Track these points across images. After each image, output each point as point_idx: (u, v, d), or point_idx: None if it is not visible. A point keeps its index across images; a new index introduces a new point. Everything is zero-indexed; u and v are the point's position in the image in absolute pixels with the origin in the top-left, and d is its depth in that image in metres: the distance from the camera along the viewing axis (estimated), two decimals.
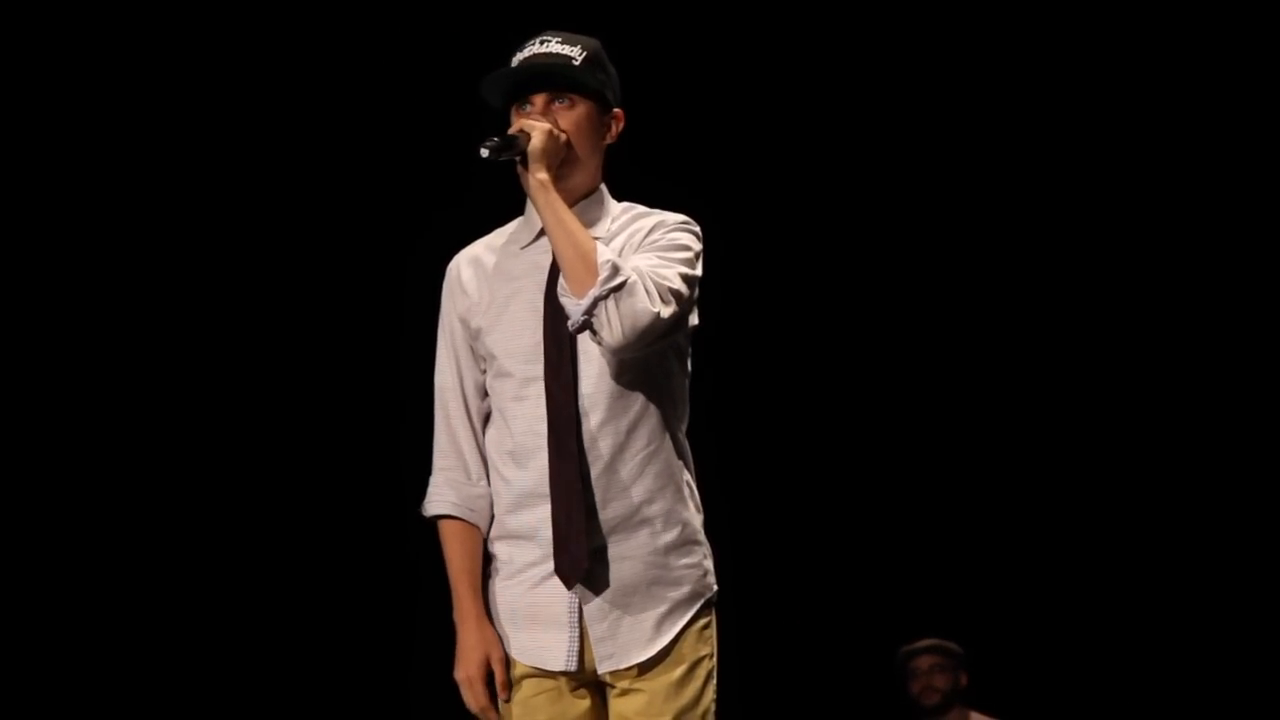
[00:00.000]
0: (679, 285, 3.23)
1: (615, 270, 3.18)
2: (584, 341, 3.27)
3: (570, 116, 3.31)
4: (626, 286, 3.17)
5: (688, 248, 3.30)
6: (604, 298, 3.17)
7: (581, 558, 3.25)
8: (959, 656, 6.75)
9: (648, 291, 3.18)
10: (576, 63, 3.32)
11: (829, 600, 7.37)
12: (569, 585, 3.27)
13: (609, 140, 3.39)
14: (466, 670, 3.33)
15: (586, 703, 3.34)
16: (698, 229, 3.36)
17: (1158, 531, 7.35)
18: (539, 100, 3.31)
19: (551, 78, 3.31)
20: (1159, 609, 7.34)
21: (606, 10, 4.15)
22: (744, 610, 6.28)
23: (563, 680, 3.32)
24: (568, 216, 3.22)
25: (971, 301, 7.43)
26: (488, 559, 3.40)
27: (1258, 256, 7.29)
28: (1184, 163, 7.22)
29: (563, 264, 3.22)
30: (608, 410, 3.28)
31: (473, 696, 3.33)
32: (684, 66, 6.78)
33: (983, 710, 6.83)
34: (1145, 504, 7.36)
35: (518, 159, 3.25)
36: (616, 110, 3.39)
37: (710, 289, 3.41)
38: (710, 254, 3.36)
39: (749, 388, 7.19)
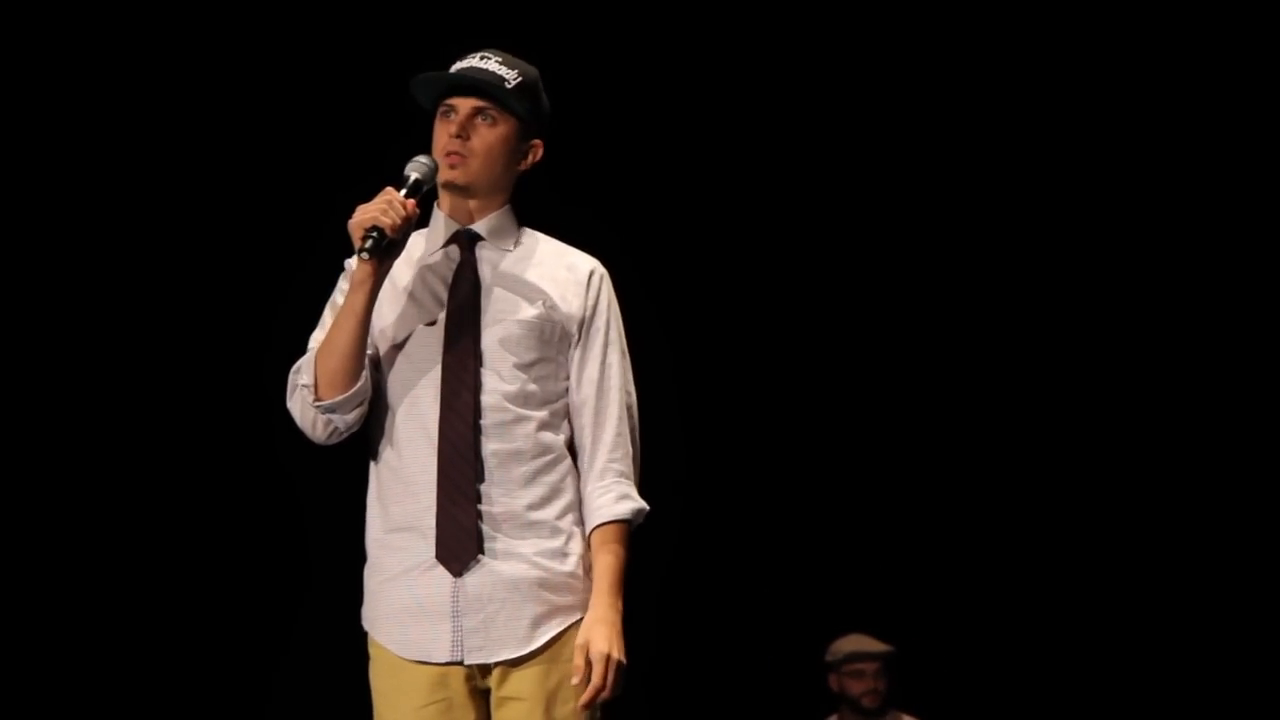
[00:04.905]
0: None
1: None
2: (489, 350, 3.37)
3: (489, 134, 3.38)
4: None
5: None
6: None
7: (466, 546, 3.30)
8: (896, 659, 6.82)
9: None
10: (509, 85, 3.38)
11: (746, 598, 7.41)
12: (453, 572, 3.30)
13: (523, 168, 3.45)
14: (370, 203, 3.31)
15: (473, 716, 3.35)
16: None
17: (1080, 532, 7.41)
18: (463, 110, 3.38)
19: (480, 91, 3.38)
20: (1080, 607, 7.40)
21: (531, 32, 4.16)
22: (664, 607, 6.36)
23: (454, 688, 3.33)
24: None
25: (907, 300, 7.46)
26: (370, 567, 3.42)
27: (1253, 257, 7.32)
28: (1183, 163, 7.23)
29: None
30: (509, 416, 3.35)
31: (383, 196, 3.31)
32: (609, 83, 6.77)
33: (909, 711, 6.89)
34: (1074, 504, 7.41)
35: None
36: (536, 140, 3.45)
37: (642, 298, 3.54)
38: (649, 258, 3.48)
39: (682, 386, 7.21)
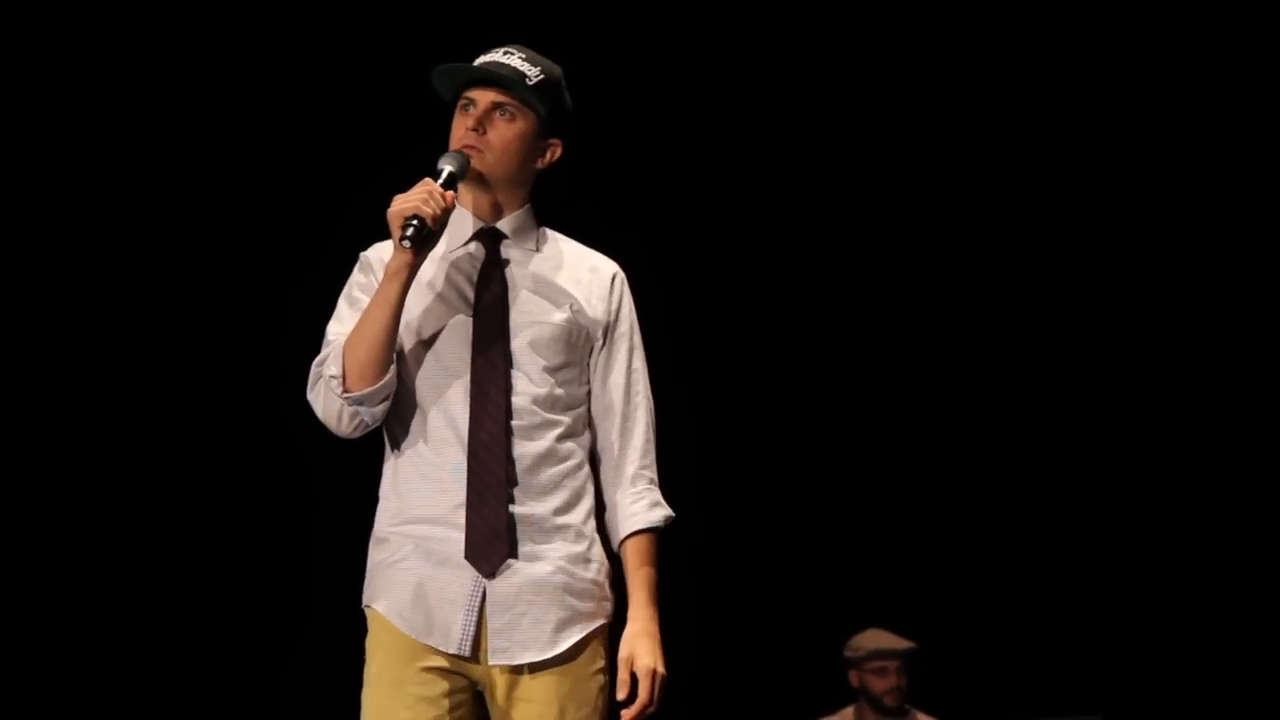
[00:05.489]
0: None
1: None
2: (519, 352, 3.35)
3: (506, 129, 3.36)
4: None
5: None
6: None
7: (497, 548, 3.28)
8: (917, 656, 6.80)
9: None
10: (531, 81, 3.36)
11: (759, 591, 7.43)
12: (484, 573, 3.27)
13: (541, 166, 3.44)
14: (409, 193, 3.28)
15: (469, 707, 3.33)
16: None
17: (1090, 529, 7.45)
18: (482, 103, 3.36)
19: (500, 85, 3.36)
20: (1091, 605, 7.43)
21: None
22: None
23: (456, 676, 3.30)
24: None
25: (930, 295, 7.47)
26: (381, 546, 3.38)
27: (1258, 256, 7.33)
28: (1183, 163, 7.24)
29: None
30: (537, 419, 3.34)
31: (422, 187, 3.28)
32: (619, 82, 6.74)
33: (925, 710, 6.88)
34: (1085, 502, 7.45)
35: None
36: (555, 139, 3.43)
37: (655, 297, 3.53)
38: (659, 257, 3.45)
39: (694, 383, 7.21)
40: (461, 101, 3.39)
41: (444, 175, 3.32)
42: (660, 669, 3.30)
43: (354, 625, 3.45)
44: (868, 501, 7.46)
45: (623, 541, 3.41)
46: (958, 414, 7.47)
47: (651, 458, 3.46)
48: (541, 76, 3.38)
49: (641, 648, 3.31)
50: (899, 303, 7.46)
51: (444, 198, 3.28)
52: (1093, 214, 7.37)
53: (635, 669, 3.29)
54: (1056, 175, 7.36)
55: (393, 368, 3.31)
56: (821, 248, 7.40)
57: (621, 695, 3.29)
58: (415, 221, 3.24)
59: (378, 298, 3.29)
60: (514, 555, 3.29)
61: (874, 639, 6.79)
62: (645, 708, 3.28)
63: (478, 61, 3.41)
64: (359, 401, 3.30)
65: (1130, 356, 7.43)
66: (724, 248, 7.26)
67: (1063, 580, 7.43)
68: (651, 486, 3.44)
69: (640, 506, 3.41)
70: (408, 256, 3.26)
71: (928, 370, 7.47)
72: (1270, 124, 7.18)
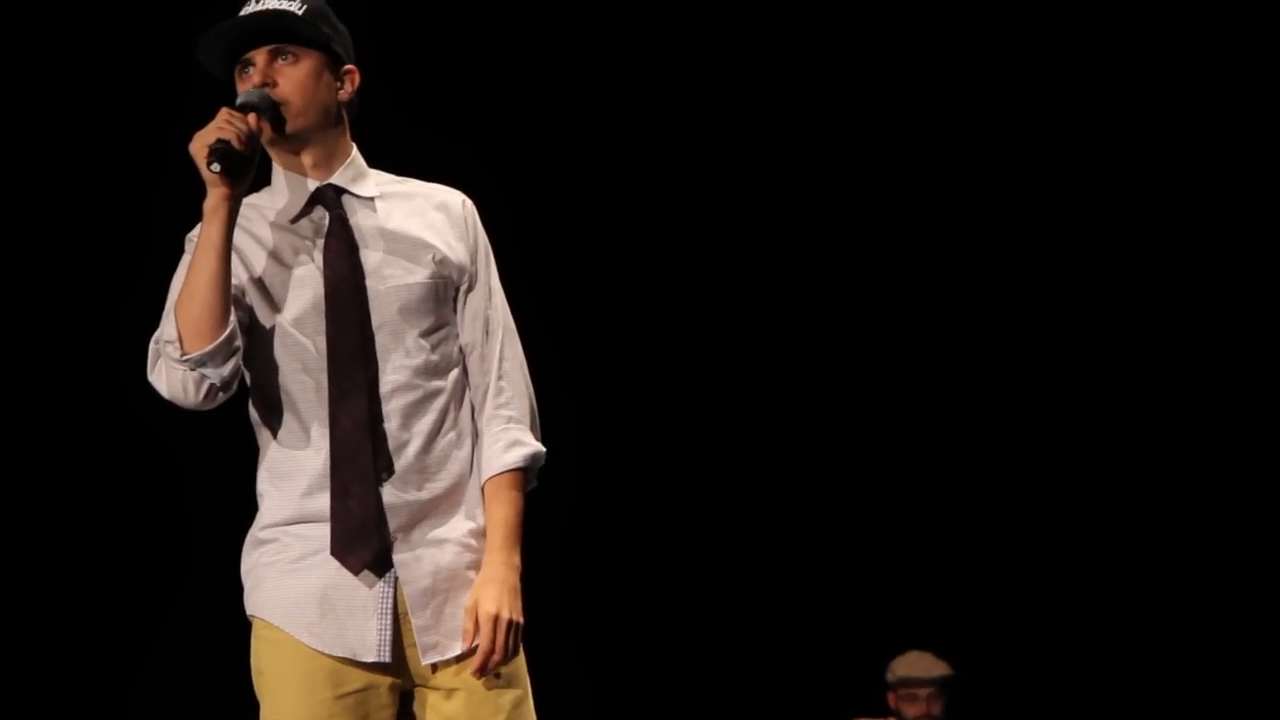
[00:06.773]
0: None
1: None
2: (389, 324, 3.16)
3: (295, 72, 3.16)
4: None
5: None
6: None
7: (367, 540, 3.09)
8: (953, 683, 6.71)
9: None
10: (299, 13, 3.19)
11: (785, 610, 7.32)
12: (351, 569, 3.09)
13: (346, 98, 3.24)
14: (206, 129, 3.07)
15: (391, 714, 3.15)
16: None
17: (1096, 542, 7.34)
18: (260, 58, 3.17)
19: (271, 31, 3.17)
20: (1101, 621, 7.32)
21: None
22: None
23: (375, 682, 3.12)
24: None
25: (947, 303, 7.37)
26: (264, 548, 3.17)
27: (1258, 256, 7.26)
28: (1183, 163, 7.19)
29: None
30: (419, 394, 3.17)
31: (220, 116, 3.07)
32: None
33: None
34: (1049, 505, 7.34)
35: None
36: (349, 66, 3.25)
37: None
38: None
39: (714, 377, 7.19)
40: (238, 67, 3.20)
41: (242, 106, 3.13)
42: (506, 614, 3.12)
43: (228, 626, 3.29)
44: (813, 508, 7.37)
45: (483, 486, 3.23)
46: (895, 403, 7.38)
47: (512, 392, 3.25)
48: (306, 5, 3.20)
49: (486, 594, 3.13)
50: (916, 291, 7.39)
51: (245, 120, 3.09)
52: (1096, 209, 7.32)
53: (478, 617, 3.13)
54: (1031, 163, 7.30)
55: (233, 320, 3.07)
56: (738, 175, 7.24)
57: (465, 644, 3.13)
58: (221, 145, 3.04)
59: (200, 243, 3.06)
60: (421, 545, 3.13)
61: (907, 665, 6.70)
62: (487, 655, 3.11)
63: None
64: (201, 363, 3.06)
65: (1106, 364, 7.36)
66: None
67: (1035, 580, 7.35)
68: (510, 425, 3.23)
69: (496, 449, 3.22)
70: (223, 189, 3.05)
71: (880, 347, 7.40)
72: (1270, 124, 7.16)
